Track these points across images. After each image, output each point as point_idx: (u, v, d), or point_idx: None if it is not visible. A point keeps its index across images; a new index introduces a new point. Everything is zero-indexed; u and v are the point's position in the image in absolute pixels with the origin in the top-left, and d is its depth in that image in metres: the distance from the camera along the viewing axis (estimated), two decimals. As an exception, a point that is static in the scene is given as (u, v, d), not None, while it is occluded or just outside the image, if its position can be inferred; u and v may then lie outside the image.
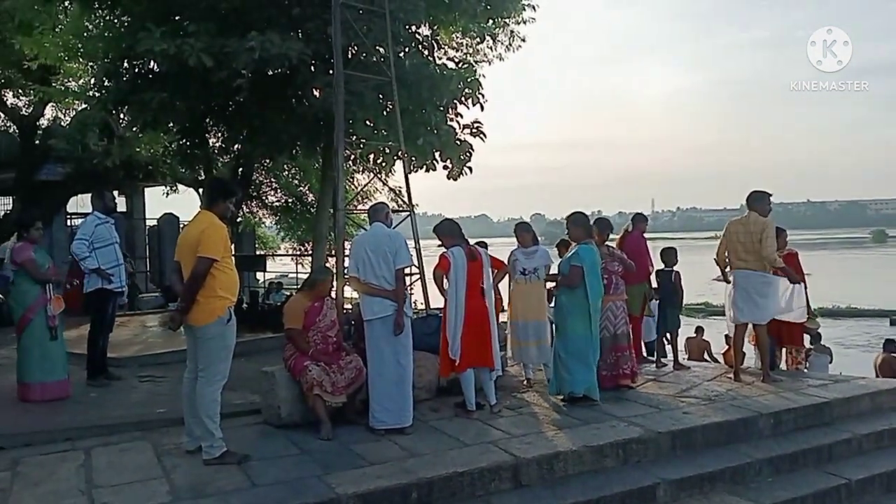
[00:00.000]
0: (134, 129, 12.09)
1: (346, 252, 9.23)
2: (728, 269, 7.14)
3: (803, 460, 5.47)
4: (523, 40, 13.02)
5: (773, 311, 7.04)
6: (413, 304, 6.39)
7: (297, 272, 17.33)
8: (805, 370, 8.12)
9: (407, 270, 5.64)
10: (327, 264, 10.28)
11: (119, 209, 14.10)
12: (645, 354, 8.64)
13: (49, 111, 17.13)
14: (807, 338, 8.48)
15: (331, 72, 9.12)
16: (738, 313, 7.04)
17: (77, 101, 14.33)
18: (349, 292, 8.33)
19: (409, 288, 6.44)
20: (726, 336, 9.13)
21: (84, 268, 6.82)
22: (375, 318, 5.39)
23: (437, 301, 6.30)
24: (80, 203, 16.23)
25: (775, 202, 7.03)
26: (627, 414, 5.74)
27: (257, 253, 19.48)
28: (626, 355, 6.63)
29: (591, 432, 5.24)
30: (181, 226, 16.40)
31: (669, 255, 7.97)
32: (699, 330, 12.33)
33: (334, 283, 6.93)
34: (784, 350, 7.89)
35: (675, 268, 7.93)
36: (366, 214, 12.99)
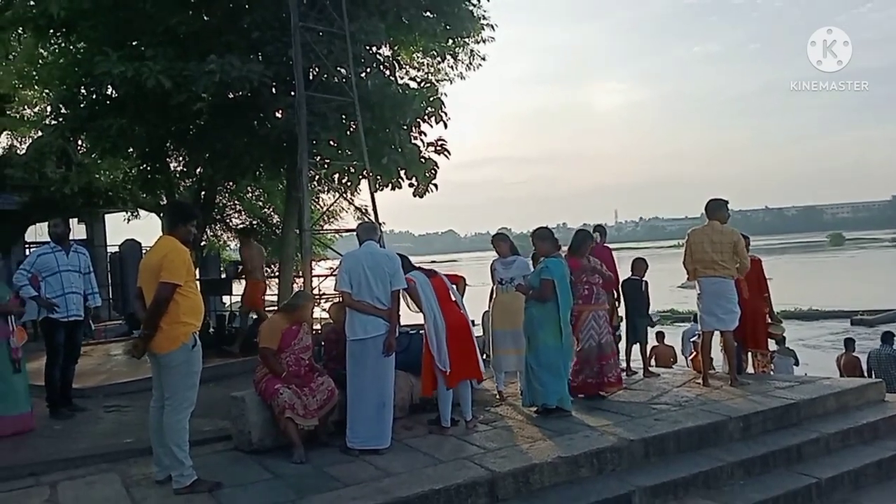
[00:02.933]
0: (93, 155, 11.91)
1: (313, 273, 9.19)
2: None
3: (774, 461, 5.55)
4: (483, 59, 13.12)
5: (738, 318, 7.16)
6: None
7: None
8: (771, 373, 8.25)
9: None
10: (294, 285, 10.22)
11: (79, 237, 13.83)
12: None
13: (4, 140, 16.86)
14: (771, 341, 8.62)
15: (292, 93, 9.11)
16: (707, 320, 7.17)
17: (33, 129, 14.10)
18: (317, 313, 8.26)
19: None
20: (693, 342, 9.24)
21: (21, 296, 6.64)
22: (367, 337, 5.34)
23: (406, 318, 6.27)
24: (39, 232, 15.91)
25: (734, 209, 7.19)
26: (600, 423, 5.78)
27: (222, 276, 19.23)
28: (610, 363, 6.70)
29: (565, 443, 5.26)
30: (143, 251, 16.14)
31: (639, 266, 8.08)
32: (660, 336, 12.48)
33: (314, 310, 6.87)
34: (750, 354, 8.01)
35: (643, 277, 8.04)
36: (334, 234, 12.83)
